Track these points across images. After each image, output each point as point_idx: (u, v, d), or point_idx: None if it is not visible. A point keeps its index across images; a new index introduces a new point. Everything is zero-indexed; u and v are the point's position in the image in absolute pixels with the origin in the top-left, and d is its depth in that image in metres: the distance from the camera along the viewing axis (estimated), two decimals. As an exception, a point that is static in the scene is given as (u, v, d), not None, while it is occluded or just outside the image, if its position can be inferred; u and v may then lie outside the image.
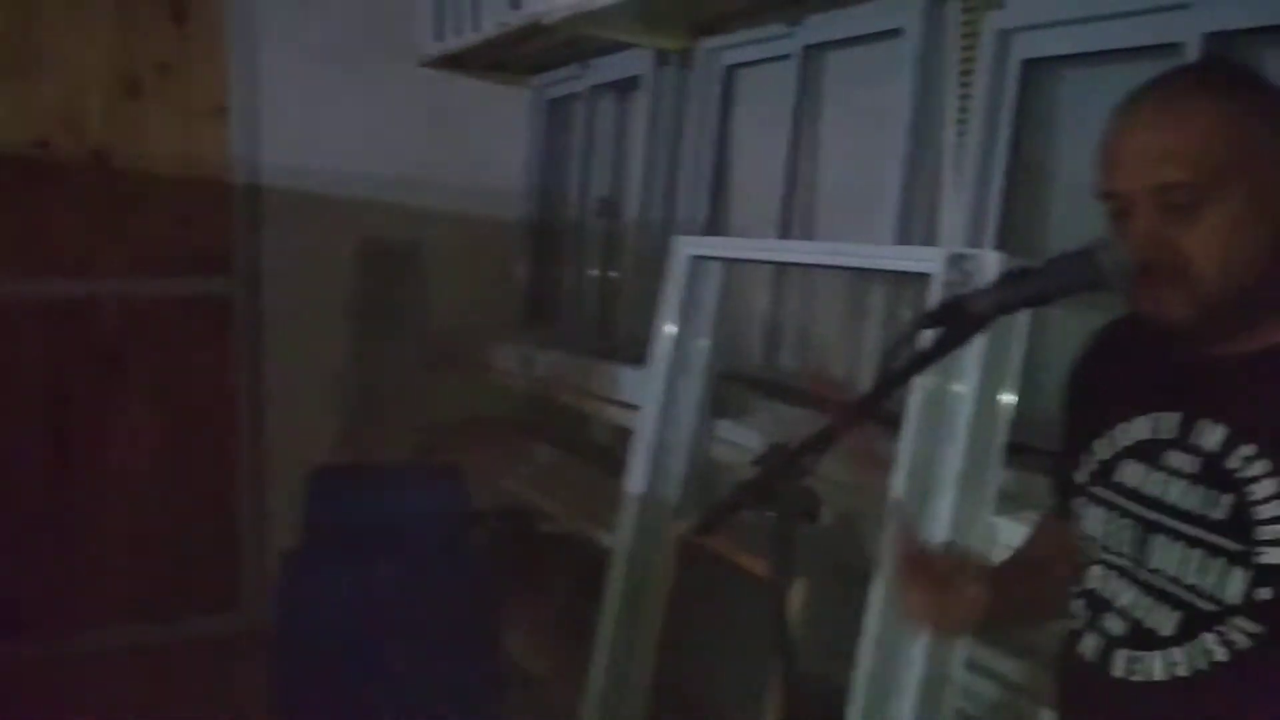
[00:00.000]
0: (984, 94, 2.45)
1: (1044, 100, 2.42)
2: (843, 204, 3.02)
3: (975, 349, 1.95)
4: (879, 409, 1.25)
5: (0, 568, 3.78)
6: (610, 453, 3.29)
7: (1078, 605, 1.22)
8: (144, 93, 3.77)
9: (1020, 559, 1.46)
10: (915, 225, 2.68)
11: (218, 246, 3.90)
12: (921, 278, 2.10)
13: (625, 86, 3.75)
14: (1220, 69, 1.15)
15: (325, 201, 3.91)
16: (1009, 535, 1.88)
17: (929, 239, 2.63)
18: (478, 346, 3.92)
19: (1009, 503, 1.95)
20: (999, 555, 1.90)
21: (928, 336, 1.20)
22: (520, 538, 3.49)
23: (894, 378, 1.20)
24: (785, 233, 3.04)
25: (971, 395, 1.94)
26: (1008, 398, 1.96)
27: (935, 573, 1.26)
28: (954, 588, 1.25)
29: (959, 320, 1.16)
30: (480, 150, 4.13)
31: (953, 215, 2.53)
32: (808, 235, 3.05)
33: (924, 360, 1.20)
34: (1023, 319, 1.98)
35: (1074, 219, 2.44)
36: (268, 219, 3.89)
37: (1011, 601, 1.34)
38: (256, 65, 3.85)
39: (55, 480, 3.84)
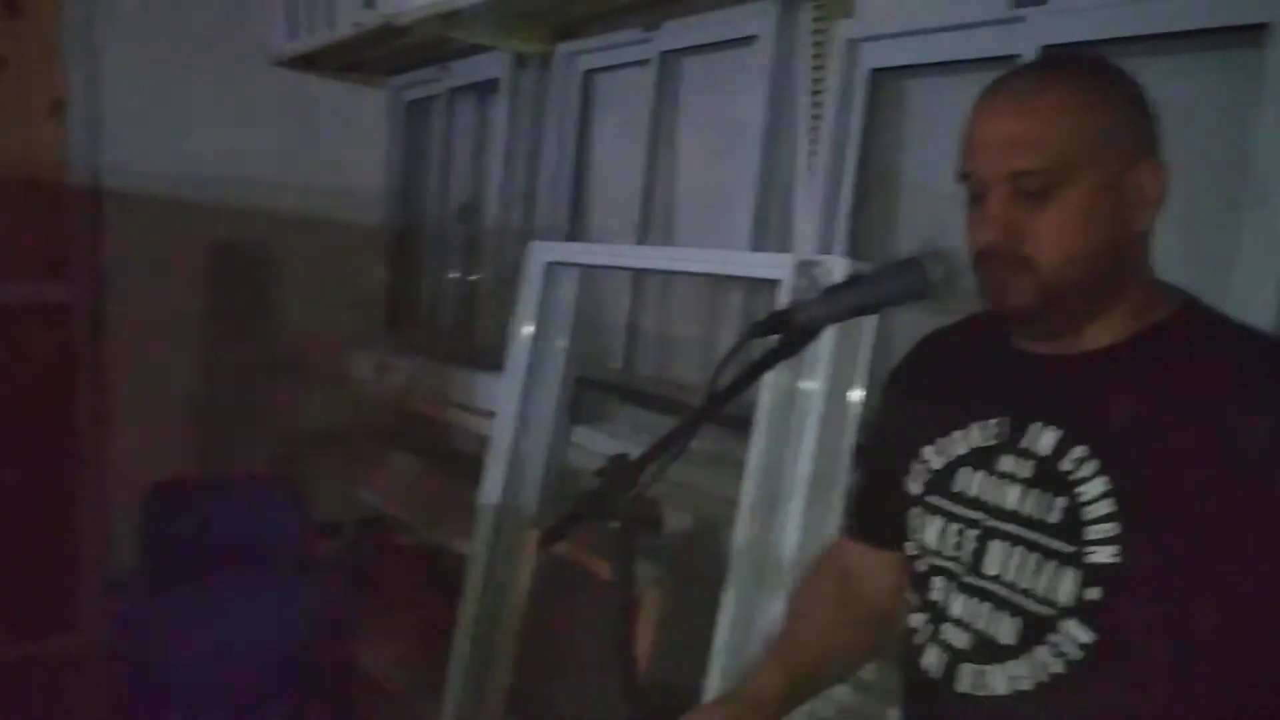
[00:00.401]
0: (835, 102, 2.49)
1: (892, 108, 2.48)
2: (700, 210, 3.03)
3: (824, 348, 1.97)
4: (716, 416, 1.24)
5: None
6: (471, 461, 3.24)
7: (918, 618, 1.22)
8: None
9: (803, 624, 1.40)
10: (770, 231, 2.71)
11: (56, 251, 3.72)
12: (772, 284, 2.12)
13: (485, 89, 3.71)
14: (1080, 61, 1.15)
15: (173, 204, 3.75)
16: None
17: (784, 245, 2.66)
18: (335, 354, 3.81)
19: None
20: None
21: (761, 345, 1.20)
22: (378, 549, 3.41)
23: (727, 389, 1.20)
24: (644, 238, 3.04)
25: (821, 393, 1.96)
26: (856, 395, 1.98)
27: None
28: None
29: (788, 330, 1.16)
30: (337, 153, 4.02)
31: (805, 222, 2.56)
32: (667, 240, 3.06)
33: (755, 370, 1.20)
34: (870, 321, 2.01)
35: (922, 225, 2.50)
36: (110, 222, 3.72)
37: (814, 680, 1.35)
38: (97, 60, 3.68)
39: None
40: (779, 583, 1.93)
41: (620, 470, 1.26)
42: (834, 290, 1.18)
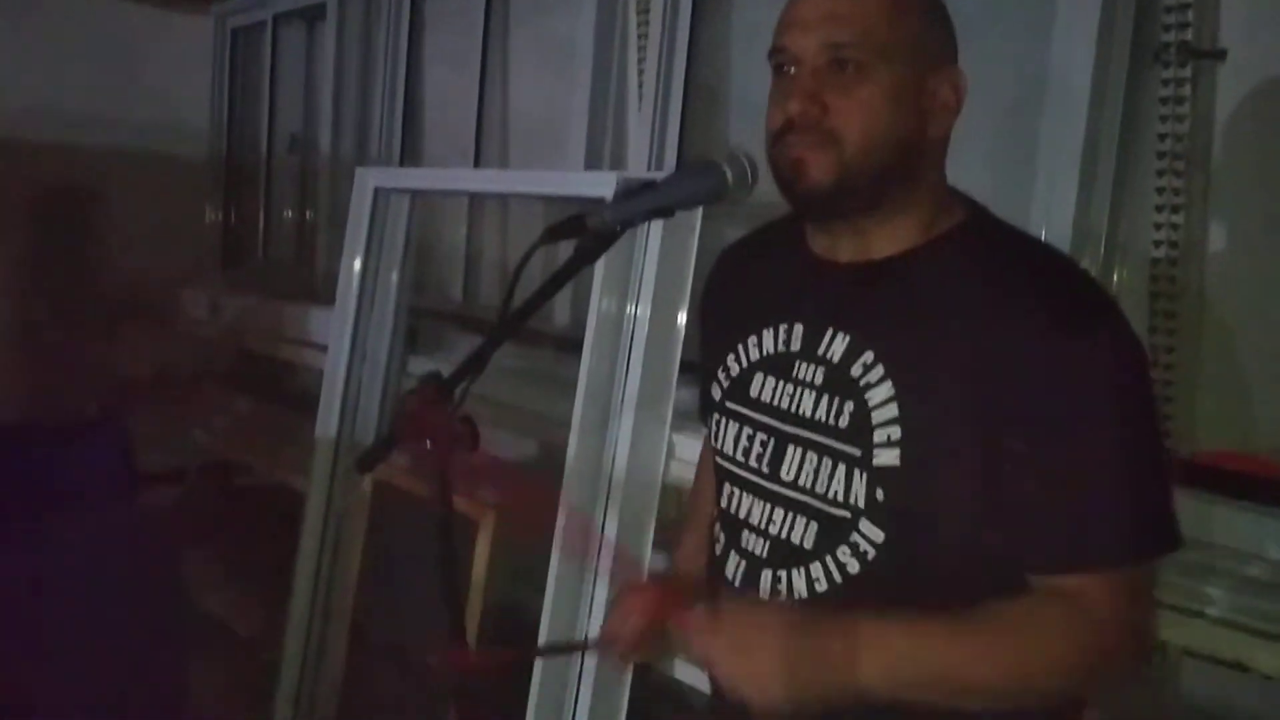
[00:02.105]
0: (661, 18, 2.47)
1: (719, 23, 2.48)
2: (534, 135, 3.00)
3: (648, 272, 1.98)
4: (518, 328, 1.23)
5: None
6: (310, 398, 3.17)
7: (718, 526, 1.23)
8: None
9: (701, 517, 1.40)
10: (603, 151, 2.69)
11: None
12: (601, 203, 2.10)
13: (312, 16, 3.59)
14: None
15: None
16: (686, 450, 1.93)
17: (618, 166, 2.65)
18: (167, 294, 3.67)
19: (686, 420, 2.00)
20: (680, 469, 1.96)
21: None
22: (220, 492, 3.33)
23: (530, 299, 1.18)
24: (479, 164, 3.00)
25: (646, 317, 1.96)
26: (681, 317, 2.00)
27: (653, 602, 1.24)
28: (672, 615, 1.21)
29: (585, 235, 1.15)
30: (161, 85, 3.84)
31: (637, 140, 2.56)
32: (502, 165, 3.02)
33: (557, 278, 1.19)
34: (692, 241, 2.02)
35: (751, 140, 2.52)
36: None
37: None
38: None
39: None
40: (612, 500, 1.95)
41: (432, 389, 1.24)
42: (630, 193, 1.17)
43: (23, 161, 3.62)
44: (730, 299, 1.29)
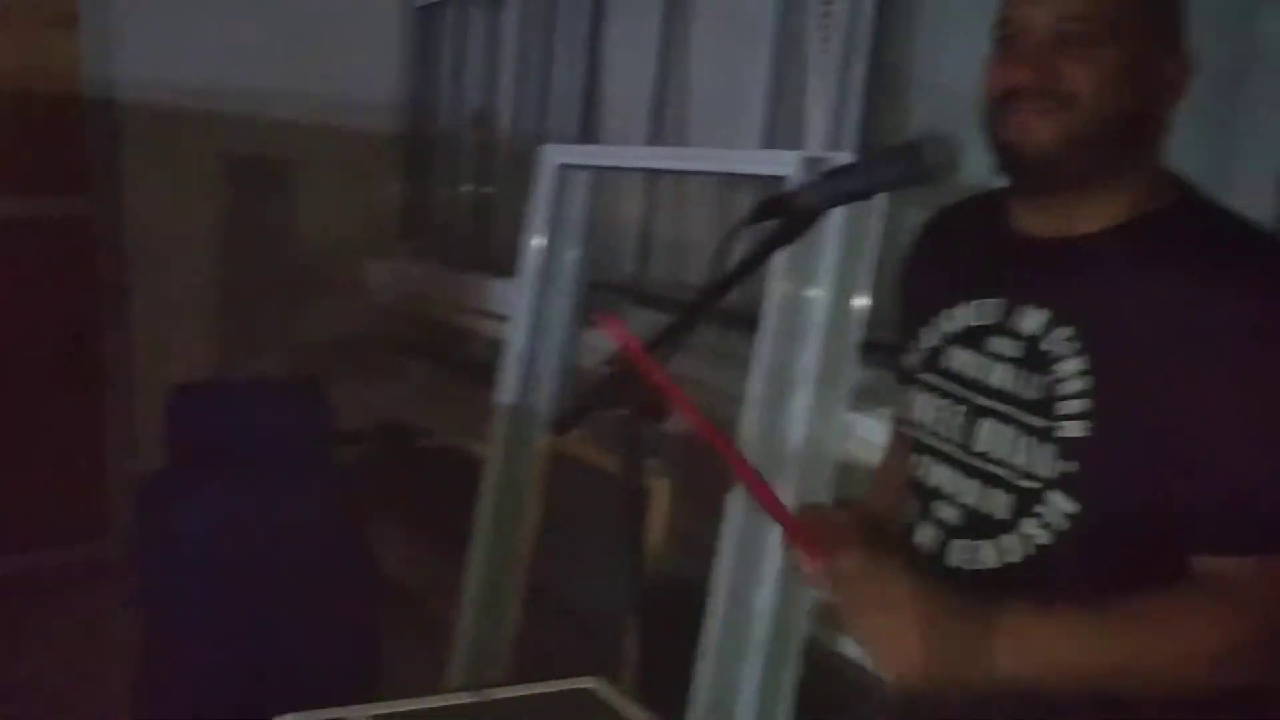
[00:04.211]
0: (846, -4, 2.45)
1: (904, 2, 2.44)
2: (713, 111, 3.01)
3: (829, 254, 1.99)
4: (715, 309, 1.26)
5: None
6: (485, 366, 3.28)
7: (912, 495, 1.24)
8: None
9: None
10: (781, 130, 2.69)
11: (75, 164, 3.74)
12: (780, 182, 2.12)
13: (495, -8, 3.67)
14: None
15: (187, 116, 3.76)
16: (867, 430, 1.94)
17: (796, 145, 2.64)
18: (350, 263, 3.84)
19: (867, 399, 2.01)
20: (856, 448, 1.96)
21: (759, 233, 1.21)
22: (396, 454, 3.47)
23: (728, 277, 1.21)
24: (656, 141, 3.03)
25: (826, 301, 1.98)
26: (861, 301, 2.00)
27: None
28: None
29: (786, 215, 1.17)
30: (349, 62, 3.99)
31: (816, 120, 2.55)
32: (679, 143, 3.04)
33: (756, 257, 1.21)
34: (876, 225, 2.02)
35: (935, 124, 2.48)
36: (127, 135, 3.73)
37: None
38: (106, -29, 3.66)
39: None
40: (786, 478, 1.97)
41: (628, 359, 1.28)
42: (831, 174, 1.18)
43: (219, 135, 3.83)
44: (930, 271, 1.30)
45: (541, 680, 1.37)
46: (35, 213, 3.74)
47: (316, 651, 2.28)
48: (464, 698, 1.27)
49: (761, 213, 1.18)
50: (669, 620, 1.89)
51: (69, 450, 3.91)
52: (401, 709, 1.21)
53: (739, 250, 1.23)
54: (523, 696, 1.30)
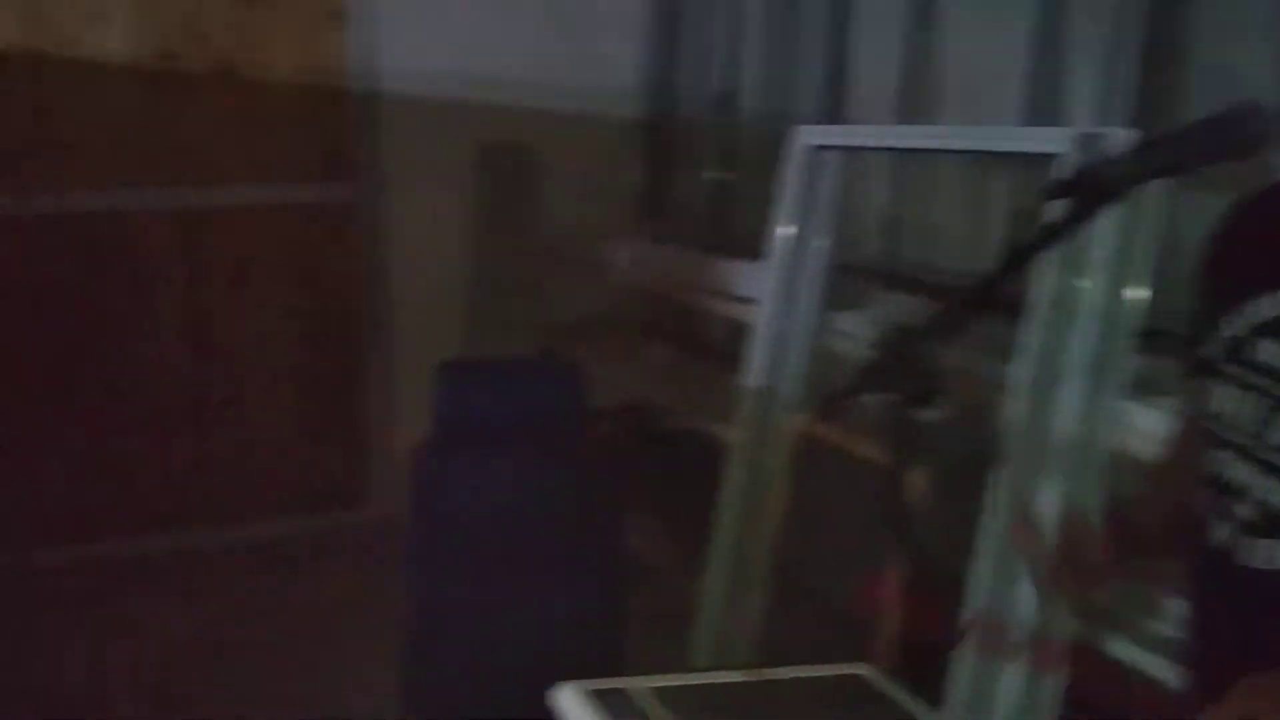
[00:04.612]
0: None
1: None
2: (967, 88, 2.91)
3: (1104, 241, 1.89)
4: (1007, 291, 1.21)
5: (148, 465, 4.00)
6: (725, 348, 3.29)
7: (1206, 489, 1.17)
8: (262, 1, 3.82)
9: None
10: (1042, 108, 2.58)
11: (339, 152, 3.98)
12: (1046, 162, 2.03)
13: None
14: None
15: (442, 105, 3.93)
16: (1144, 421, 1.84)
17: (1055, 121, 2.53)
18: (594, 246, 3.93)
19: (1144, 388, 1.91)
20: (1131, 440, 1.87)
21: (1055, 210, 1.16)
22: (639, 434, 3.53)
23: (1023, 253, 1.17)
24: (905, 120, 2.96)
25: (1099, 289, 1.89)
26: (1137, 293, 1.90)
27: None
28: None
29: (1091, 190, 1.11)
30: (595, 49, 4.09)
31: (1083, 95, 2.43)
32: (929, 122, 2.96)
33: (1053, 235, 1.16)
34: (1156, 210, 1.90)
35: (1216, 100, 2.32)
36: (387, 124, 3.93)
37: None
38: (372, -30, 3.86)
39: (194, 382, 4.01)
40: (1054, 468, 1.89)
41: (901, 341, 1.25)
42: (1141, 148, 1.12)
43: (472, 123, 3.98)
44: (1238, 257, 1.22)
45: (806, 664, 1.37)
46: (303, 198, 3.99)
47: (565, 628, 2.34)
48: (737, 676, 1.28)
49: (1061, 190, 1.12)
50: (929, 609, 1.85)
51: (330, 422, 4.17)
52: (679, 682, 1.23)
53: (1017, 232, 1.18)
54: (795, 679, 1.30)
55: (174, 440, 4.02)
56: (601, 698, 1.18)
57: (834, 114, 3.28)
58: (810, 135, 2.59)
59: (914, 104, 2.99)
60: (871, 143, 2.65)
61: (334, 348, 4.12)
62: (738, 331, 3.00)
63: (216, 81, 3.80)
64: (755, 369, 2.62)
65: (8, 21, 3.57)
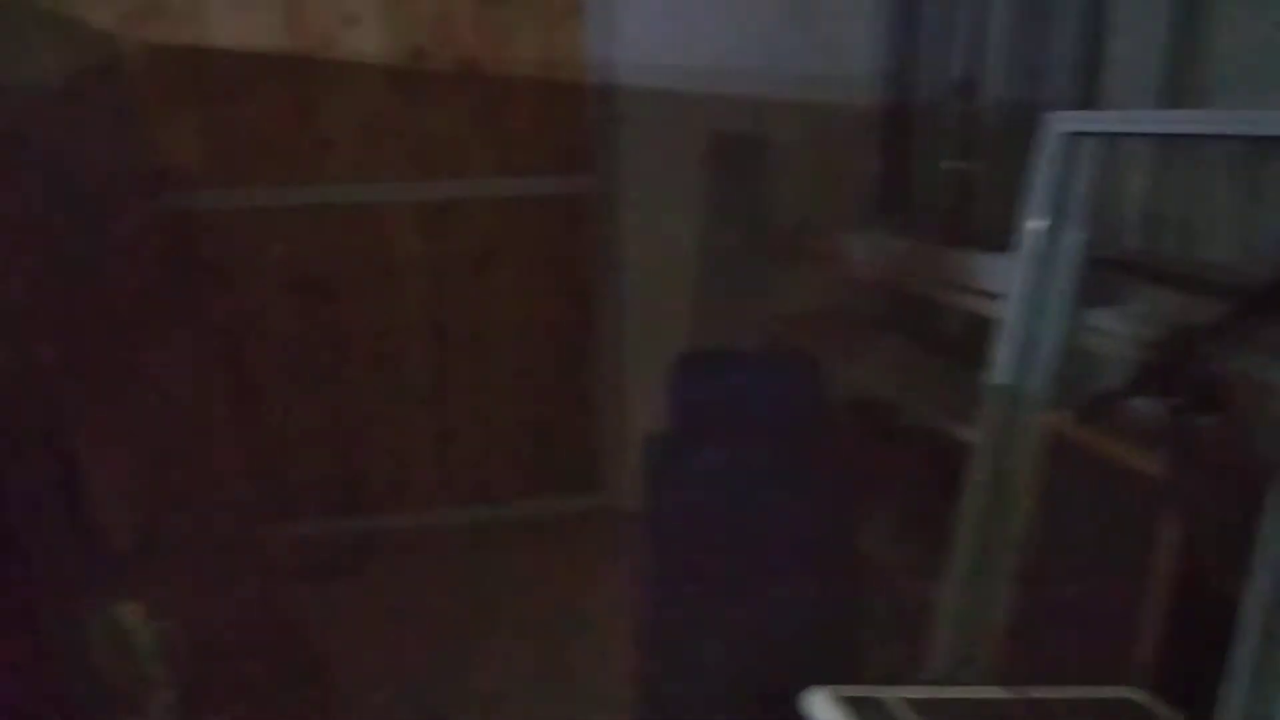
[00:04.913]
0: None
1: None
2: (1239, 70, 2.70)
3: None
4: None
5: (391, 448, 4.20)
6: (963, 343, 3.17)
7: None
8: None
9: None
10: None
11: (578, 145, 4.06)
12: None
13: (984, -44, 3.51)
14: None
15: (677, 96, 3.96)
16: None
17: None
18: (827, 237, 3.87)
19: None
20: None
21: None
22: (873, 430, 3.45)
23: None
24: (1169, 105, 2.77)
25: None
26: None
27: None
28: None
29: None
30: (829, 36, 4.02)
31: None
32: (1198, 106, 2.76)
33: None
34: None
35: None
36: (623, 116, 3.98)
37: None
38: (611, -36, 3.92)
39: (436, 368, 4.19)
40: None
41: (1183, 342, 1.16)
42: None
43: (706, 114, 3.99)
44: None
45: (1067, 684, 1.29)
46: (542, 190, 4.09)
47: (797, 626, 2.31)
48: (998, 692, 1.22)
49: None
50: (1196, 630, 1.72)
51: (564, 409, 4.28)
52: (935, 695, 1.18)
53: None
54: (1060, 700, 1.23)
55: (417, 422, 4.21)
56: (855, 706, 1.15)
57: (1086, 100, 3.10)
58: (1065, 122, 2.45)
59: (1180, 88, 2.80)
60: (1133, 129, 2.48)
61: (569, 335, 4.23)
62: (977, 326, 2.88)
63: (461, 78, 3.94)
64: (1001, 366, 2.51)
65: (274, 25, 3.80)
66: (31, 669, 1.98)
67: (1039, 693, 1.23)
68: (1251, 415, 2.07)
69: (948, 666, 2.45)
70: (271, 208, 3.94)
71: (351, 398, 4.16)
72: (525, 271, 4.15)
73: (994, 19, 3.47)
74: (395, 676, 3.21)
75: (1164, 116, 2.57)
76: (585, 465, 4.30)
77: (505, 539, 4.07)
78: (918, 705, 1.15)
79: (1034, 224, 2.50)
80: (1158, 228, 2.90)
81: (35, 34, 3.11)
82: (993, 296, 2.81)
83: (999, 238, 2.74)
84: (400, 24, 3.89)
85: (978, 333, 2.83)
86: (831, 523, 2.31)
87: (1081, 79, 3.11)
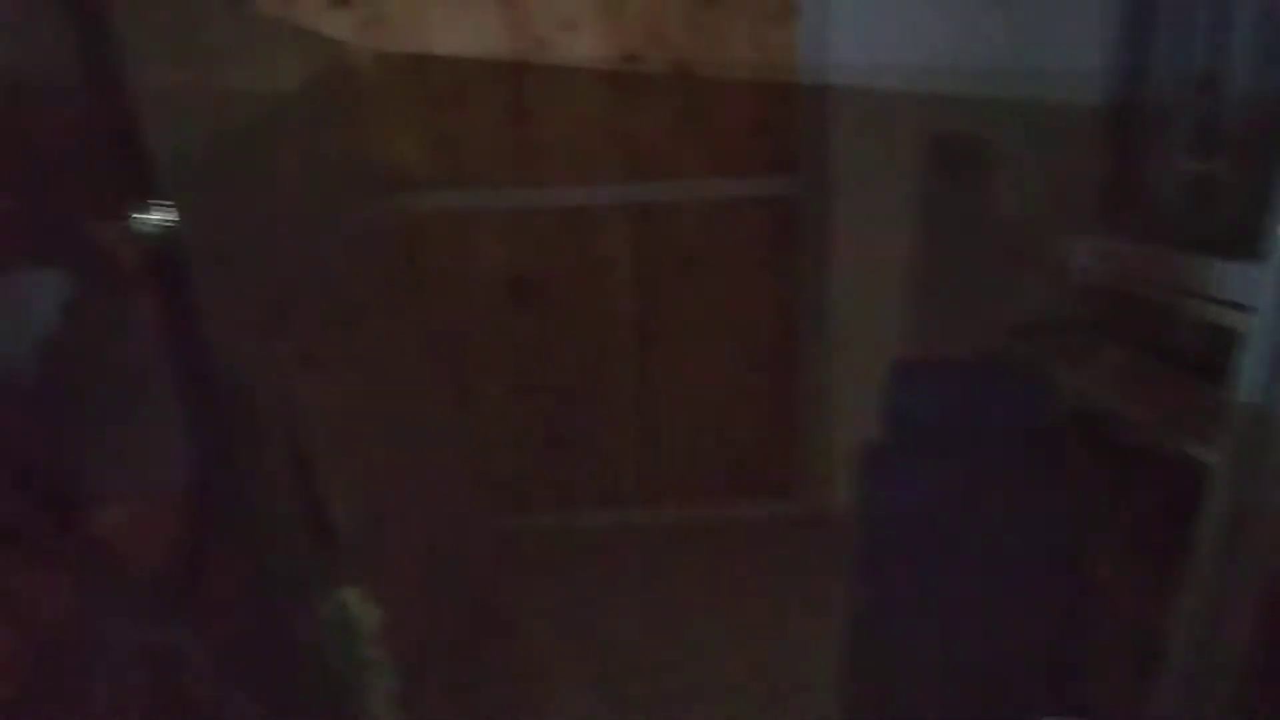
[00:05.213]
0: None
1: None
2: None
3: None
4: None
5: (596, 448, 4.26)
6: (1200, 357, 2.97)
7: None
8: (720, 1, 3.92)
9: None
10: None
11: (787, 147, 4.02)
12: None
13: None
14: None
15: (891, 96, 3.87)
16: None
17: None
18: (1052, 241, 3.70)
19: None
20: None
21: None
22: (1099, 445, 3.27)
23: None
24: None
25: None
26: None
27: None
28: None
29: None
30: (1053, 32, 3.85)
31: None
32: None
33: None
34: None
35: None
36: (835, 116, 3.92)
37: None
38: (824, -36, 3.86)
39: (641, 370, 4.22)
40: None
41: None
42: None
43: (921, 113, 3.88)
44: None
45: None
46: (751, 192, 4.07)
47: (1016, 650, 2.21)
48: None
49: None
50: None
51: (767, 412, 4.24)
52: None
53: None
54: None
55: (621, 423, 4.26)
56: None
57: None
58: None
59: None
60: None
61: (773, 340, 4.19)
62: (1216, 339, 2.69)
63: (673, 80, 3.96)
64: (1247, 384, 2.33)
65: (493, 31, 3.91)
66: (266, 645, 2.09)
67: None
68: None
69: (1181, 702, 2.30)
70: (486, 210, 4.06)
71: (558, 397, 4.24)
72: (732, 274, 4.14)
73: (1240, 6, 3.24)
74: (597, 672, 3.25)
75: None
76: (788, 471, 4.25)
77: (706, 541, 4.07)
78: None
79: (1290, 230, 2.32)
80: None
81: (275, 43, 3.29)
82: (1237, 308, 2.62)
83: (1244, 244, 2.56)
84: (614, 27, 3.93)
85: (1216, 346, 2.65)
86: (1058, 543, 2.20)
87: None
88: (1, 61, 1.70)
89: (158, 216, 1.95)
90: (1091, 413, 3.34)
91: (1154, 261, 3.13)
